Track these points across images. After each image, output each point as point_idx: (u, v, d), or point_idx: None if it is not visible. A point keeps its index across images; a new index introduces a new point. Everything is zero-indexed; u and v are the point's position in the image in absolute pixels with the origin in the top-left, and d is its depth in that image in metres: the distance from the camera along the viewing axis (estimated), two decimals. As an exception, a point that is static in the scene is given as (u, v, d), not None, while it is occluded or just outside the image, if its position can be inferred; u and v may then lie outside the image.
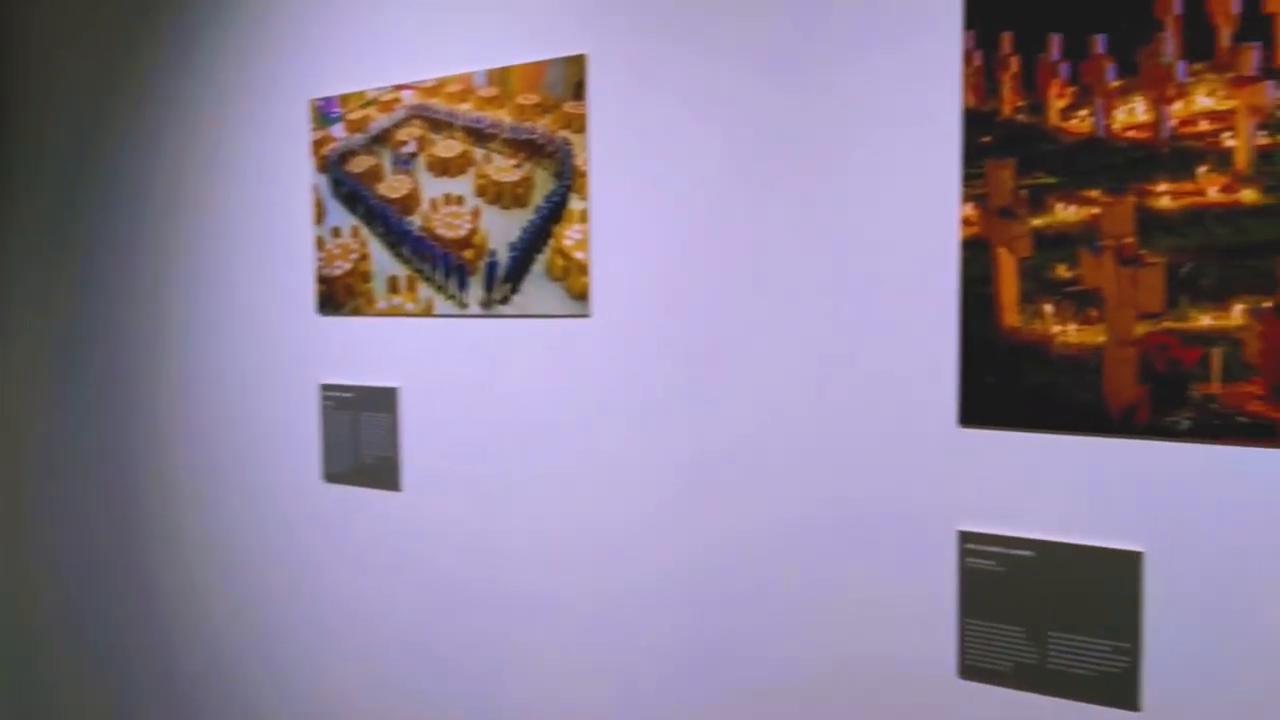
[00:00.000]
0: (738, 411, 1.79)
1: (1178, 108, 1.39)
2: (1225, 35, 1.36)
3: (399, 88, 2.23)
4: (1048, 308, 1.49)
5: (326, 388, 2.40)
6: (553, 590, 2.07)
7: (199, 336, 2.68)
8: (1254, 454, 1.37)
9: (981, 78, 1.53)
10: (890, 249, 1.63)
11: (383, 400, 2.30)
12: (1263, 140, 1.34)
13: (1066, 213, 1.47)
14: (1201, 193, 1.38)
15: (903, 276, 1.62)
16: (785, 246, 1.72)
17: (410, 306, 2.24)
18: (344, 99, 2.33)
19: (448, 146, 2.16)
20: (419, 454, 2.27)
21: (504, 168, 2.07)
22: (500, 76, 2.06)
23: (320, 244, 2.39)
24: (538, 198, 2.02)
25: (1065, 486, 1.50)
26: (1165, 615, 1.44)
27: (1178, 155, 1.39)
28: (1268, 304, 1.34)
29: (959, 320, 1.56)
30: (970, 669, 1.58)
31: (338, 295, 2.37)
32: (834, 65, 1.67)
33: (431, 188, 2.19)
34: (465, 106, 2.13)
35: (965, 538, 1.57)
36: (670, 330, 1.86)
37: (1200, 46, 1.38)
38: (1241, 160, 1.35)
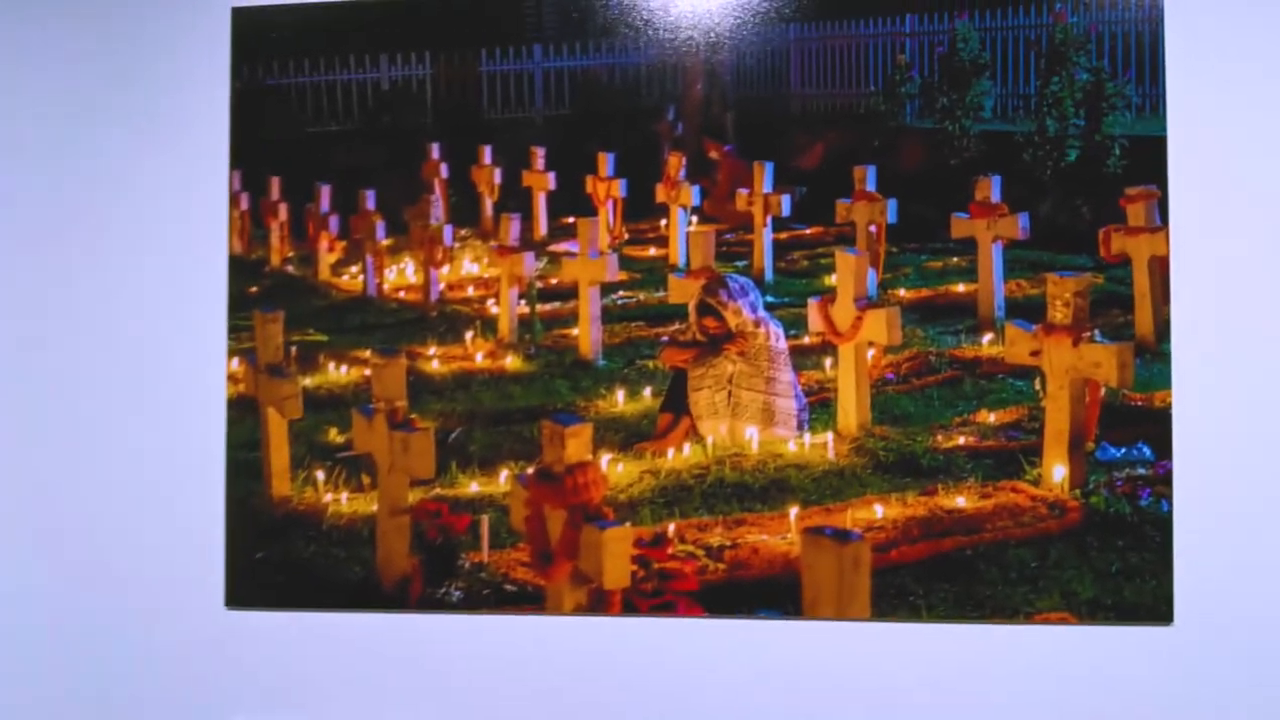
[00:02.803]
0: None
1: (446, 272, 1.39)
2: (489, 204, 1.39)
3: None
4: (320, 475, 1.38)
5: None
6: None
7: None
8: (522, 621, 1.36)
9: (249, 223, 1.41)
10: (151, 407, 1.42)
11: None
12: (523, 310, 1.37)
13: (338, 373, 1.39)
14: (469, 358, 1.38)
15: (163, 441, 1.42)
16: (35, 402, 1.45)
17: None
18: None
19: None
20: None
21: None
22: None
23: None
24: None
25: (341, 669, 1.39)
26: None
27: (446, 319, 1.39)
28: (530, 469, 1.34)
29: (225, 490, 1.39)
30: None
31: None
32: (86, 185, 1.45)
33: None
34: None
35: (233, 736, 1.38)
36: None
37: (467, 213, 1.40)
38: (504, 327, 1.38)
